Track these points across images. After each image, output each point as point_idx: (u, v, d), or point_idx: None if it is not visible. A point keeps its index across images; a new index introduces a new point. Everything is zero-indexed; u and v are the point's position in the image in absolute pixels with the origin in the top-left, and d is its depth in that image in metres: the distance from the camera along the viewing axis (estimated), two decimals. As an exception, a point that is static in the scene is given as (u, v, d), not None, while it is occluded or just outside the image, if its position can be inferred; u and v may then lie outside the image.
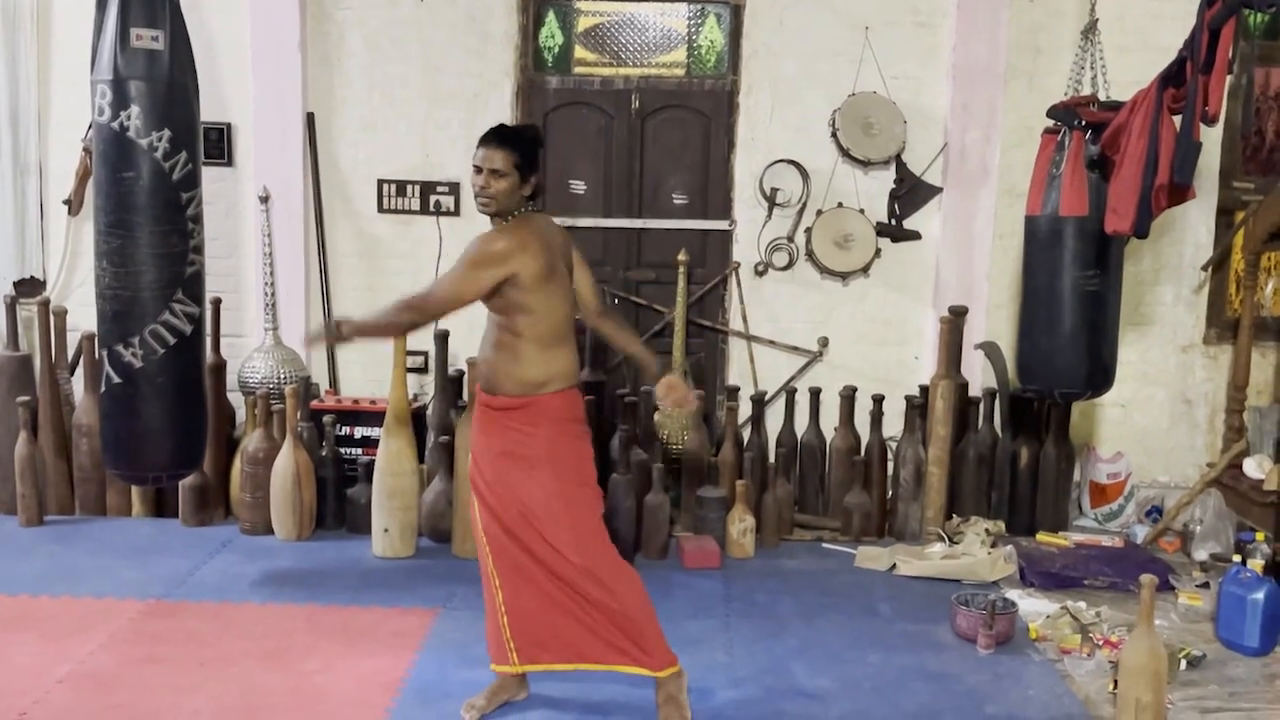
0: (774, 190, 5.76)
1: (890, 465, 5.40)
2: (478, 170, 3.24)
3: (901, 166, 5.74)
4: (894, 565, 4.82)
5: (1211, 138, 5.40)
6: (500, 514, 3.31)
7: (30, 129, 5.85)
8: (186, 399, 4.35)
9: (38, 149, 5.87)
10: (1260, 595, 3.99)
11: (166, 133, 4.13)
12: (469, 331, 5.67)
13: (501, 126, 3.36)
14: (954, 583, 4.61)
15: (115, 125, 4.11)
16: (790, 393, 5.59)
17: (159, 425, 4.29)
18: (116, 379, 4.25)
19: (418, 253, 5.87)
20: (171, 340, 4.23)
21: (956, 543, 4.93)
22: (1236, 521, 5.10)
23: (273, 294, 5.72)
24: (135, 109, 4.09)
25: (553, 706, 3.50)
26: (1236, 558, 4.32)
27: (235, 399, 5.47)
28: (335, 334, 3.26)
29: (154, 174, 4.14)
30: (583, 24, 5.89)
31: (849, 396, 5.38)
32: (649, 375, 3.57)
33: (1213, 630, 4.17)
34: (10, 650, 3.78)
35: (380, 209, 5.87)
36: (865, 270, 5.81)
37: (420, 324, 3.37)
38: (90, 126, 4.94)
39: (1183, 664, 3.85)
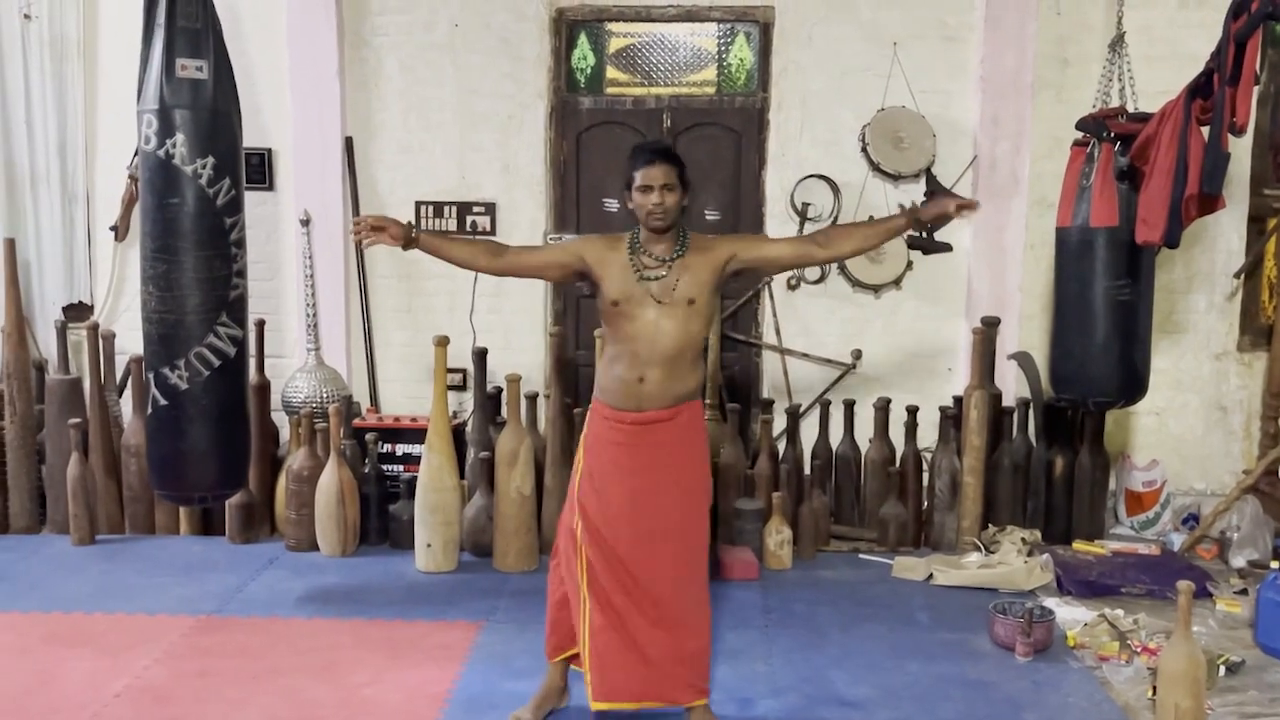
0: (805, 205, 5.81)
1: (925, 476, 5.42)
2: (646, 189, 3.19)
3: (932, 179, 5.77)
4: (931, 575, 4.84)
5: (1241, 145, 5.41)
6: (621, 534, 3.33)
7: (78, 158, 6.01)
8: (231, 420, 4.43)
9: (85, 177, 6.03)
10: (1299, 601, 3.99)
11: (210, 160, 4.21)
12: (504, 348, 5.81)
13: (658, 143, 3.32)
14: (991, 592, 4.63)
15: (161, 153, 4.19)
16: (825, 405, 5.63)
17: (204, 446, 4.36)
18: (163, 401, 4.32)
19: (455, 273, 5.84)
20: (216, 362, 4.31)
21: (993, 552, 4.95)
22: (1274, 528, 5.10)
23: (314, 315, 5.83)
24: (180, 137, 4.17)
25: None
26: (1275, 564, 4.32)
27: (279, 418, 5.58)
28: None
29: (199, 200, 4.22)
30: (614, 45, 5.98)
31: (883, 408, 5.41)
32: (913, 218, 3.36)
33: (1252, 637, 4.17)
34: (67, 666, 3.88)
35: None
36: (897, 283, 5.85)
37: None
38: (136, 154, 5.07)
39: (1222, 670, 3.86)
